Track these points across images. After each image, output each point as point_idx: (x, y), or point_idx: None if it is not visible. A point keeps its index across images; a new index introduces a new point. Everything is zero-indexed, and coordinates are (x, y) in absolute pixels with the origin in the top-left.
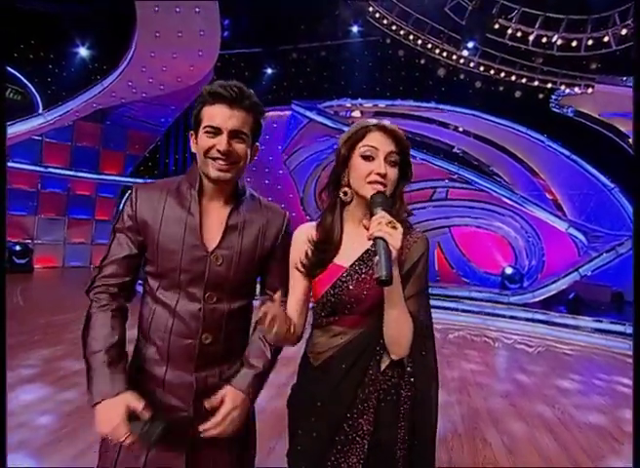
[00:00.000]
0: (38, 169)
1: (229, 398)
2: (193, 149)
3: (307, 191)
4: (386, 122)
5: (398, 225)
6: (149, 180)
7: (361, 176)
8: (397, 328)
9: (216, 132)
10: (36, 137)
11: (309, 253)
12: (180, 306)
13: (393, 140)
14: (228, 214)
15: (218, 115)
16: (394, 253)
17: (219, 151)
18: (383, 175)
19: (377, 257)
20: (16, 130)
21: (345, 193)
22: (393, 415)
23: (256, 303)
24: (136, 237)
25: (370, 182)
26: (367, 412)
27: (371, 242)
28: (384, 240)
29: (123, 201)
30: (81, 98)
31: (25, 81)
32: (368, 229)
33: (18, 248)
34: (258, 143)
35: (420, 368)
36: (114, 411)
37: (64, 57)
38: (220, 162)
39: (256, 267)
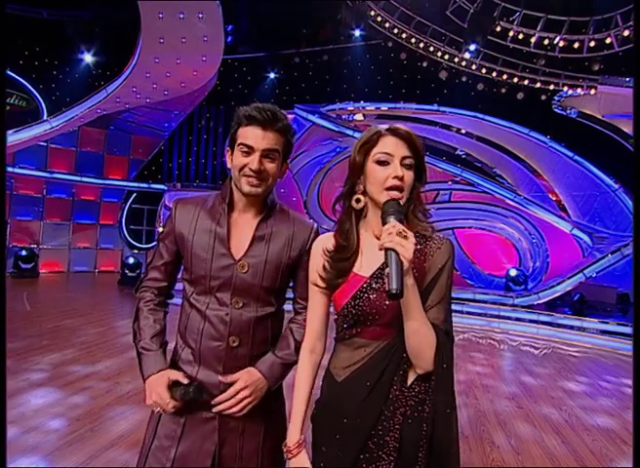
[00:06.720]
0: (43, 174)
1: (243, 377)
2: (229, 165)
3: (311, 194)
4: (400, 125)
5: (410, 234)
6: (154, 185)
7: (378, 182)
8: (418, 340)
9: (249, 151)
10: (41, 144)
11: (327, 264)
12: (210, 310)
13: (407, 144)
14: (256, 226)
15: (251, 136)
16: (406, 265)
17: (251, 169)
18: (401, 178)
19: (387, 269)
20: (22, 136)
21: (358, 200)
22: (419, 432)
23: (287, 307)
24: (172, 247)
25: (387, 188)
26: (393, 429)
27: None
28: (396, 251)
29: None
30: (86, 104)
31: (30, 87)
32: (379, 239)
33: (24, 253)
34: (288, 161)
35: (442, 381)
36: (158, 383)
37: (69, 63)
38: (252, 178)
39: (282, 276)
